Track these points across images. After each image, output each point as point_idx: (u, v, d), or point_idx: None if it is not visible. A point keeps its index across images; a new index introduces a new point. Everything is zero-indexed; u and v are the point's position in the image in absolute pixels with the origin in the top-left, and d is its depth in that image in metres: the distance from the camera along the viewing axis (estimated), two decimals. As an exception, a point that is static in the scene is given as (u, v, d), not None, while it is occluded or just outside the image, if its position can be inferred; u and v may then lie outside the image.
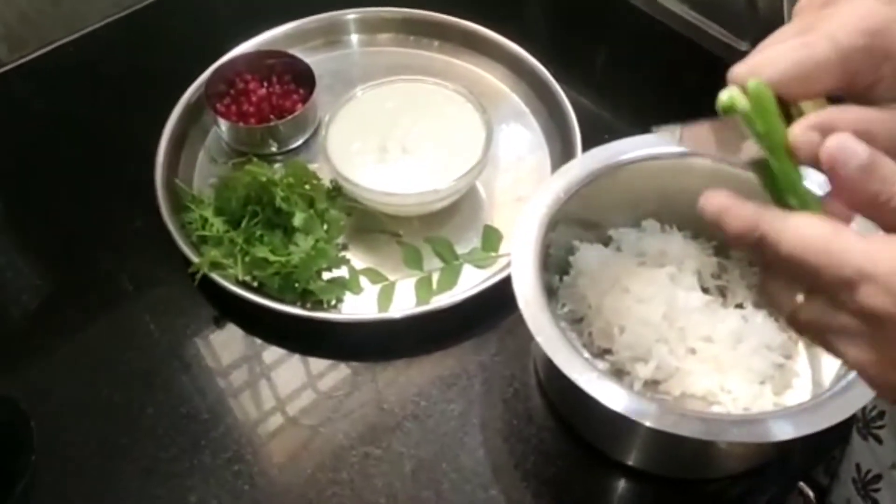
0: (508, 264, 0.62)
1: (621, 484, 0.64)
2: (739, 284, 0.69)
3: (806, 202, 0.37)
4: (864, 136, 0.33)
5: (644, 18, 0.95)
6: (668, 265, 0.67)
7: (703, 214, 0.36)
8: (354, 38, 0.96)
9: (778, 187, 0.37)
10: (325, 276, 0.74)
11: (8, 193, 0.85)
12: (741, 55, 0.38)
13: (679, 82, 0.89)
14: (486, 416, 0.67)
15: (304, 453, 0.66)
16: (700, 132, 0.40)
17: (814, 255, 0.33)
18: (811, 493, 0.67)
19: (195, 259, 0.72)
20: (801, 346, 0.67)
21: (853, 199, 0.34)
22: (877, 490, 0.61)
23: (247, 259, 0.71)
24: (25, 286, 0.77)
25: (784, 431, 0.52)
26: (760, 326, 0.65)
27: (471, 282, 0.73)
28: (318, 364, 0.72)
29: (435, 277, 0.75)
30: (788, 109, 0.38)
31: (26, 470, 0.65)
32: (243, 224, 0.73)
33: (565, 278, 0.69)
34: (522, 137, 0.87)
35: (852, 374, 0.54)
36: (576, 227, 0.69)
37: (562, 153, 0.82)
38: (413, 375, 0.70)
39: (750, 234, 0.35)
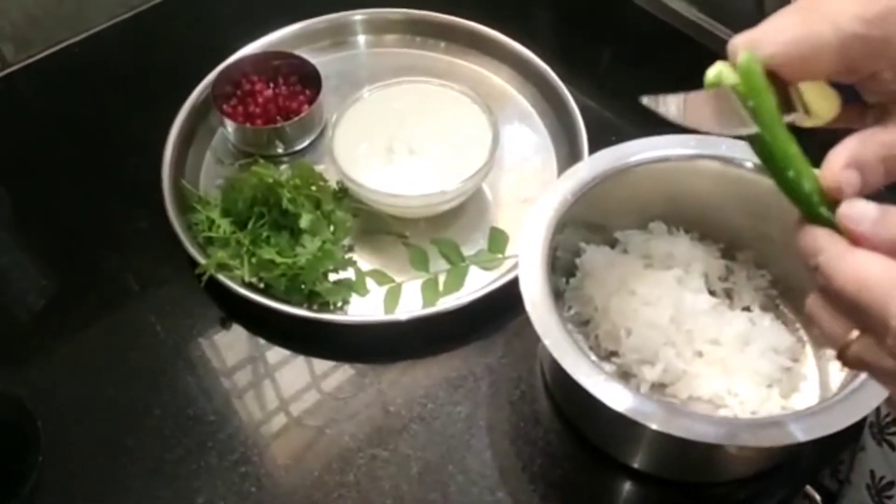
0: (515, 266, 0.62)
1: (627, 487, 0.64)
2: (747, 287, 0.69)
3: (801, 172, 0.36)
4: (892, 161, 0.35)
5: (651, 20, 0.95)
6: (675, 267, 0.67)
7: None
8: (361, 39, 0.96)
9: (774, 160, 0.37)
10: (332, 277, 0.74)
11: (15, 193, 0.85)
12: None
13: (686, 84, 0.89)
14: (492, 419, 0.67)
15: (311, 455, 0.66)
16: (697, 102, 0.39)
17: (867, 296, 0.33)
18: (818, 497, 0.67)
19: (202, 260, 0.72)
20: (808, 349, 0.67)
21: (880, 249, 0.34)
22: (890, 497, 0.61)
23: (253, 260, 0.71)
24: (31, 286, 0.77)
25: (795, 435, 0.52)
26: (768, 329, 0.65)
27: (477, 283, 0.73)
28: (324, 365, 0.71)
29: (441, 279, 0.75)
30: (787, 90, 0.37)
31: (33, 470, 0.65)
32: (250, 225, 0.73)
33: (572, 280, 0.69)
34: (528, 139, 0.86)
35: (861, 378, 0.54)
36: (583, 229, 0.69)
37: (568, 155, 0.82)
38: (419, 377, 0.70)
39: (809, 260, 0.35)
